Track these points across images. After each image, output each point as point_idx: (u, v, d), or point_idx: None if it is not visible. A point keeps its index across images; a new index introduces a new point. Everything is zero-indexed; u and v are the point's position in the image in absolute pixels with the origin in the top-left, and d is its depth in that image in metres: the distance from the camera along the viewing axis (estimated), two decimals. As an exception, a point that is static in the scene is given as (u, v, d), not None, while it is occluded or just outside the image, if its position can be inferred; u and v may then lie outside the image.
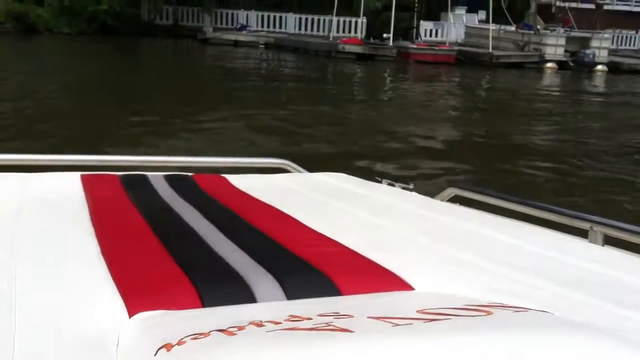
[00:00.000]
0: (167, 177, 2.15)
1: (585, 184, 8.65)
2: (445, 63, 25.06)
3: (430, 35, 30.99)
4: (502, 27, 28.58)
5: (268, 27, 32.33)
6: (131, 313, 1.01)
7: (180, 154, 2.90)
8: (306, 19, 32.38)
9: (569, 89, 21.60)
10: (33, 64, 18.70)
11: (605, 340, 0.82)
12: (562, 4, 29.30)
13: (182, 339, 0.83)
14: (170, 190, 1.97)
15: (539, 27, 27.90)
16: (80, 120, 11.07)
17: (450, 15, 29.97)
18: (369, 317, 0.88)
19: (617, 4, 35.28)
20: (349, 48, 26.30)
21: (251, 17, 32.38)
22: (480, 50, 26.62)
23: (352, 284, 1.15)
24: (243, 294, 1.08)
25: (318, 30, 31.96)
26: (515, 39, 27.86)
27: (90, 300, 1.06)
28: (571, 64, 26.62)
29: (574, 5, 29.47)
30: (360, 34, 29.65)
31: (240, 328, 0.85)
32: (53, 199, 1.81)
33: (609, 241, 1.63)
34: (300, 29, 32.30)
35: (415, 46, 26.58)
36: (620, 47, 31.80)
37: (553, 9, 29.63)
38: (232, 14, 32.61)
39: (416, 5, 28.80)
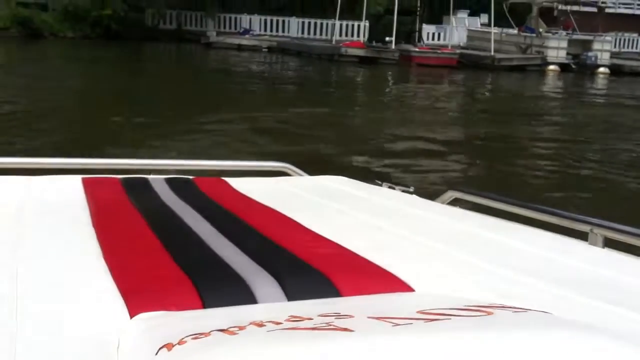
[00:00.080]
0: (168, 180, 2.16)
1: (585, 183, 8.72)
2: (448, 66, 25.14)
3: (433, 39, 31.10)
4: (504, 30, 28.70)
5: (271, 31, 32.47)
6: (132, 314, 1.01)
7: (182, 157, 2.94)
8: (309, 23, 32.51)
9: (571, 91, 21.66)
10: (37, 67, 18.84)
11: (605, 340, 0.82)
12: (564, 7, 29.36)
13: (182, 338, 0.83)
14: (171, 193, 1.98)
15: (541, 30, 27.97)
16: (83, 121, 11.17)
17: (452, 18, 30.08)
18: (369, 317, 0.88)
19: (619, 7, 35.36)
20: (352, 51, 26.40)
21: (254, 21, 32.53)
22: (483, 53, 26.70)
23: (352, 285, 1.15)
24: (244, 295, 1.09)
25: (321, 34, 32.09)
26: (517, 42, 27.95)
27: (91, 301, 1.07)
28: (573, 66, 26.69)
29: (575, 8, 29.51)
30: (363, 38, 29.78)
31: (241, 328, 0.85)
32: (55, 202, 1.81)
33: (609, 243, 1.63)
34: (303, 32, 32.43)
35: (417, 49, 26.68)
36: (622, 50, 31.86)
37: (555, 12, 29.69)
38: (235, 18, 32.76)
39: (418, 8, 28.93)
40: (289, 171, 2.61)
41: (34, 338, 0.92)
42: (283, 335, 0.81)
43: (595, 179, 9.02)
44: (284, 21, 32.57)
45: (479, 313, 0.91)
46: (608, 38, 28.26)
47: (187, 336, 0.84)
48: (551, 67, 26.43)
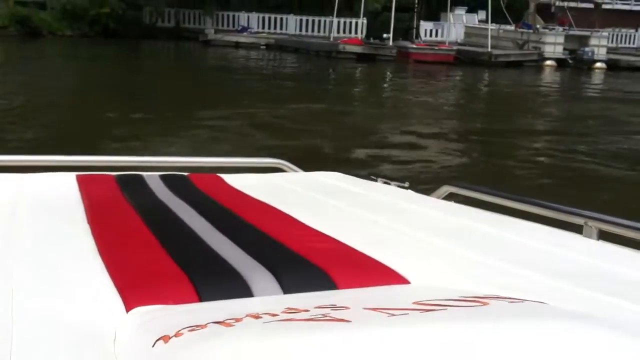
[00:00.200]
0: (162, 177, 2.15)
1: (575, 173, 8.81)
2: (445, 62, 25.21)
3: (430, 35, 31.16)
4: (502, 26, 28.76)
5: (269, 28, 32.53)
6: (128, 308, 1.01)
7: (181, 151, 2.97)
8: (307, 20, 32.58)
9: (567, 86, 21.75)
10: (35, 65, 18.90)
11: (599, 329, 0.83)
12: (561, 4, 29.44)
13: (179, 330, 0.84)
14: (166, 190, 1.97)
15: (538, 26, 28.05)
16: (80, 117, 11.23)
17: (450, 15, 30.15)
18: (365, 309, 0.88)
19: (616, 3, 35.42)
20: (350, 48, 26.46)
21: (252, 19, 32.57)
22: (480, 50, 26.77)
23: (348, 278, 1.16)
24: (240, 289, 1.09)
25: (319, 31, 32.15)
26: (514, 38, 28.02)
27: (87, 297, 1.07)
28: (570, 61, 26.77)
29: (573, 4, 29.58)
30: (361, 35, 29.84)
31: (238, 320, 0.85)
32: (49, 199, 1.81)
33: (604, 236, 1.64)
34: (301, 30, 32.50)
35: (415, 46, 26.74)
36: (620, 45, 31.95)
37: (552, 9, 29.77)
38: (234, 16, 32.81)
39: (416, 5, 28.98)
40: (283, 167, 2.61)
41: (30, 334, 0.91)
42: (279, 326, 0.82)
43: (586, 169, 9.12)
44: (281, 18, 32.62)
45: (474, 304, 0.91)
46: (605, 34, 28.34)
47: (183, 328, 0.84)
48: (548, 62, 26.52)
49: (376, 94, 17.61)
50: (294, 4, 33.74)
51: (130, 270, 1.17)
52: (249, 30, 31.68)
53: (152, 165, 2.46)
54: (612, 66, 26.55)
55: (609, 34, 30.07)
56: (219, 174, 2.29)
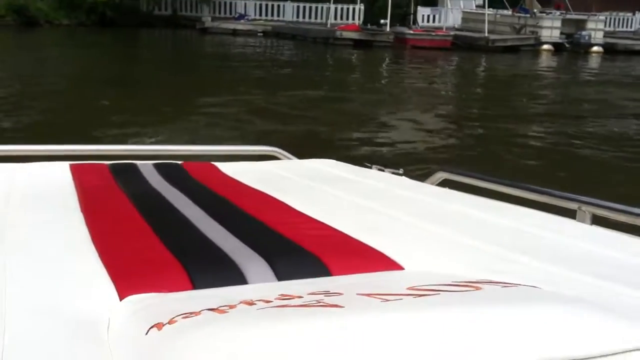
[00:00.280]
0: (156, 166, 2.15)
1: (567, 154, 8.91)
2: (442, 48, 25.21)
3: (428, 21, 31.11)
4: (499, 11, 28.74)
5: (266, 15, 32.46)
6: (122, 296, 1.02)
7: (178, 136, 3.00)
8: (304, 6, 32.50)
9: (562, 70, 21.77)
10: (32, 54, 18.93)
11: (593, 313, 0.83)
12: (557, -13, 29.40)
13: (173, 318, 0.84)
14: (160, 178, 1.97)
15: (535, 10, 28.01)
16: (76, 104, 11.28)
17: (447, 0, 30.10)
18: (358, 294, 0.89)
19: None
20: (347, 34, 26.43)
21: (249, 6, 32.51)
22: (477, 35, 26.76)
23: (342, 265, 1.17)
24: (234, 276, 1.09)
25: (316, 18, 32.09)
26: (511, 23, 28.00)
27: (81, 285, 1.07)
28: (567, 45, 26.77)
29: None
30: (358, 21, 29.81)
31: (232, 306, 0.86)
32: (42, 188, 1.81)
33: (597, 220, 1.66)
34: (298, 16, 32.42)
35: (412, 32, 26.73)
36: (617, 29, 31.89)
37: (549, -7, 29.73)
38: (231, 3, 32.74)
39: (413, -9, 28.96)
40: (278, 155, 2.62)
41: (23, 322, 0.92)
42: (273, 312, 0.82)
43: (577, 152, 9.22)
44: (279, 5, 32.56)
45: (467, 288, 0.92)
46: (601, 17, 28.32)
47: (177, 315, 0.84)
48: (545, 46, 26.53)
49: (372, 80, 17.65)
50: (291, -9, 33.67)
51: (124, 258, 1.18)
52: (246, 17, 31.63)
53: (146, 154, 2.46)
54: (609, 50, 26.53)
55: (606, 18, 30.04)
56: (213, 162, 2.30)
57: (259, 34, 29.48)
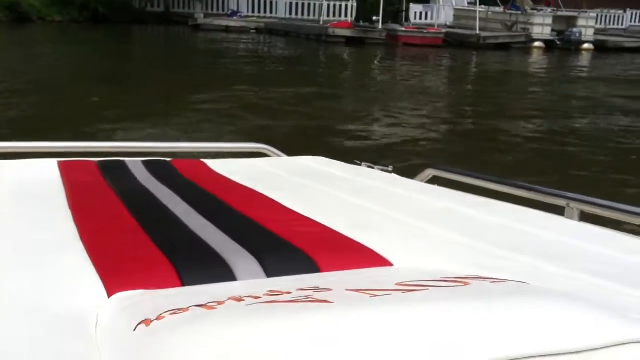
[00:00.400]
0: (145, 162, 2.14)
1: (553, 149, 9.03)
2: (433, 45, 25.33)
3: (420, 18, 31.20)
4: (491, 8, 28.87)
5: (259, 12, 32.51)
6: (110, 293, 1.01)
7: (169, 132, 3.03)
8: (297, 3, 32.56)
9: (551, 68, 21.91)
10: (24, 50, 18.93)
11: (581, 309, 0.83)
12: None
13: (161, 314, 0.84)
14: (148, 175, 1.96)
15: (526, 7, 28.16)
16: (66, 99, 11.32)
17: (439, -3, 30.25)
18: (347, 290, 0.89)
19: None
20: (339, 32, 26.51)
21: (242, 3, 32.54)
22: (468, 32, 26.88)
23: (331, 261, 1.16)
24: (223, 273, 1.09)
25: (309, 15, 32.16)
26: (503, 20, 28.14)
27: (69, 282, 1.06)
28: (558, 42, 26.92)
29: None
30: (351, 18, 29.89)
31: (220, 303, 0.86)
32: (30, 186, 1.79)
33: (585, 217, 1.66)
34: (290, 13, 32.49)
35: (403, 29, 26.83)
36: (609, 27, 32.09)
37: (541, -10, 29.87)
38: (223, 0, 32.76)
39: (406, -12, 29.05)
40: (267, 152, 2.62)
41: (11, 319, 0.91)
42: (262, 308, 0.82)
43: (567, 149, 9.35)
44: (271, 2, 32.60)
45: (456, 284, 0.92)
46: (592, 14, 28.49)
47: (165, 312, 0.84)
48: (536, 44, 26.66)
49: (364, 77, 17.75)
50: (283, -13, 33.70)
51: (112, 255, 1.18)
52: (238, 14, 31.66)
53: (135, 151, 2.45)
54: (600, 47, 26.69)
55: (597, 15, 30.23)
56: (202, 159, 2.30)
57: (251, 31, 29.52)
